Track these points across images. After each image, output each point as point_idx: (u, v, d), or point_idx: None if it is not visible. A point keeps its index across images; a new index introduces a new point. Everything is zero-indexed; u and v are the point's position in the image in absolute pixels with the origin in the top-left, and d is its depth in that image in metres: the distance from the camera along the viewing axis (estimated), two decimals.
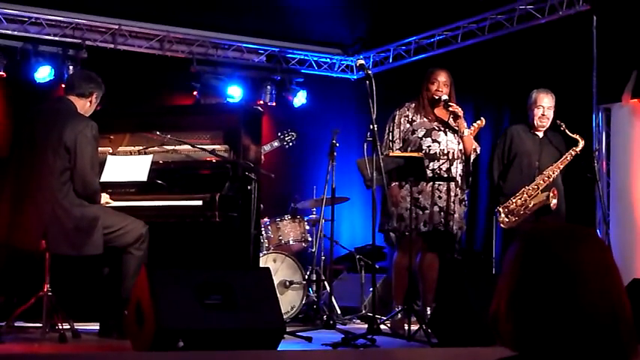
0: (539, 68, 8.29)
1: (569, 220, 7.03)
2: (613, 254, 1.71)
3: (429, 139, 6.62)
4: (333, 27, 10.24)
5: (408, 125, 6.68)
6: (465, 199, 6.83)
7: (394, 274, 6.71)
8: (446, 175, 6.57)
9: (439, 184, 6.57)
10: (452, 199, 6.61)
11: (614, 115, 7.88)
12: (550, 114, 6.95)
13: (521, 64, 8.63)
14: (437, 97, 6.66)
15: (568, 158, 6.89)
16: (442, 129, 6.67)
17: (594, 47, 7.77)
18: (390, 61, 10.38)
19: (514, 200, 6.86)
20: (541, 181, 6.85)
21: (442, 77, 6.70)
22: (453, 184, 6.62)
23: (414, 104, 6.76)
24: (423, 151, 6.54)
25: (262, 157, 7.60)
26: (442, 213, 6.57)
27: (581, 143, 6.89)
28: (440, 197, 6.58)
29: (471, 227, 9.27)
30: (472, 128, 6.74)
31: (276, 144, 7.90)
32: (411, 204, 6.33)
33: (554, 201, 6.80)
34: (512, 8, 8.72)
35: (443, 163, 6.58)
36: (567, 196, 7.09)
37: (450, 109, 6.63)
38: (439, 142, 6.63)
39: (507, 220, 6.86)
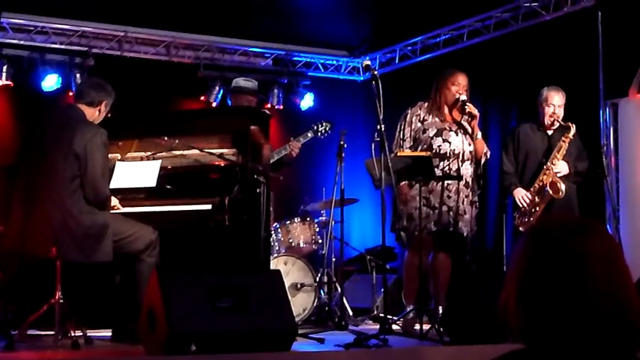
0: (546, 65, 8.29)
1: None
2: (623, 249, 1.71)
3: (439, 138, 6.62)
4: (338, 29, 10.25)
5: (419, 124, 6.68)
6: (477, 201, 6.81)
7: (405, 273, 6.72)
8: (455, 175, 6.57)
9: (448, 184, 6.57)
10: (461, 200, 6.60)
11: (622, 110, 7.87)
12: (560, 112, 6.92)
13: (527, 62, 8.62)
14: (456, 99, 6.65)
15: (563, 146, 6.83)
16: (453, 130, 6.67)
17: (600, 43, 7.76)
18: (397, 61, 10.38)
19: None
20: (544, 176, 6.82)
21: (464, 81, 6.69)
22: (462, 185, 6.61)
23: (426, 104, 6.76)
24: (434, 151, 6.54)
25: (298, 149, 7.57)
26: (451, 213, 6.56)
27: (573, 128, 6.83)
28: (449, 197, 6.57)
29: (481, 226, 9.26)
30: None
31: (310, 134, 7.80)
32: (421, 203, 6.33)
33: (563, 187, 6.73)
34: (517, 6, 8.71)
35: (452, 163, 6.58)
36: (577, 193, 7.07)
37: (467, 109, 6.61)
38: (450, 142, 6.62)
39: (522, 222, 6.88)
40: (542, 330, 1.61)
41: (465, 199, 6.64)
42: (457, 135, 6.67)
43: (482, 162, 6.79)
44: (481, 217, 9.14)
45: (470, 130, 6.70)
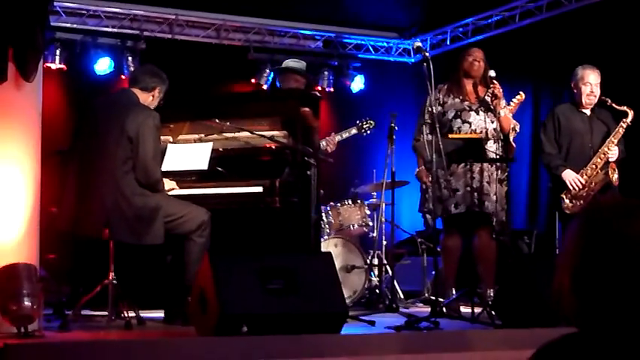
0: (599, 46, 8.15)
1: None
2: None
3: (458, 120, 6.55)
4: (389, 10, 10.18)
5: (439, 107, 6.59)
6: (505, 178, 6.70)
7: (442, 256, 6.64)
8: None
9: (471, 165, 6.44)
10: (486, 179, 6.49)
11: None
12: (597, 90, 6.82)
13: (579, 42, 8.49)
14: (473, 70, 6.61)
15: (620, 131, 6.79)
16: (474, 109, 6.59)
17: None
18: (448, 43, 10.29)
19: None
20: (598, 159, 6.76)
21: (478, 52, 6.68)
22: (487, 164, 6.51)
23: (445, 86, 6.70)
24: (454, 132, 6.47)
25: (334, 145, 7.55)
26: (475, 194, 6.45)
27: (631, 114, 6.78)
28: (473, 178, 6.45)
29: (533, 209, 9.18)
30: (512, 104, 6.65)
31: (354, 131, 7.80)
32: (442, 185, 6.30)
33: (616, 176, 6.74)
34: None
35: None
36: (626, 175, 6.98)
37: (492, 88, 6.53)
38: (470, 123, 6.55)
39: (572, 204, 6.79)
40: (597, 315, 1.59)
41: (492, 178, 6.53)
42: (478, 114, 6.58)
43: (512, 137, 6.67)
44: (533, 200, 9.10)
45: (492, 107, 6.61)
